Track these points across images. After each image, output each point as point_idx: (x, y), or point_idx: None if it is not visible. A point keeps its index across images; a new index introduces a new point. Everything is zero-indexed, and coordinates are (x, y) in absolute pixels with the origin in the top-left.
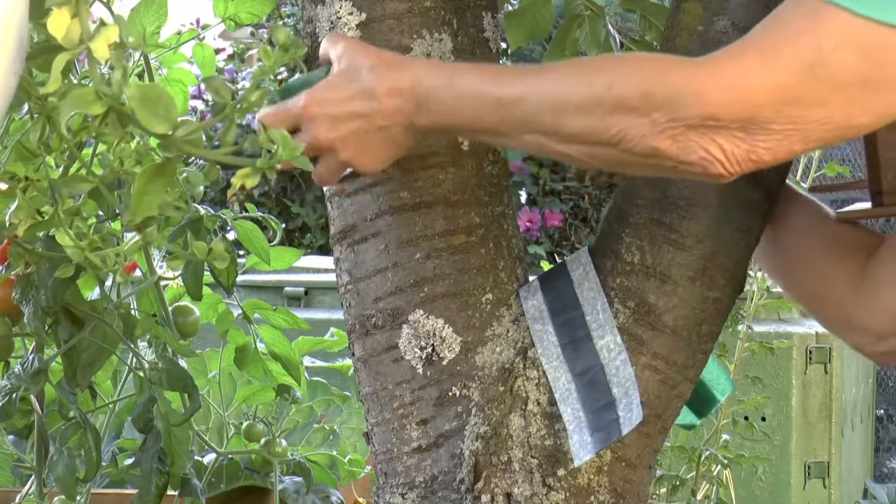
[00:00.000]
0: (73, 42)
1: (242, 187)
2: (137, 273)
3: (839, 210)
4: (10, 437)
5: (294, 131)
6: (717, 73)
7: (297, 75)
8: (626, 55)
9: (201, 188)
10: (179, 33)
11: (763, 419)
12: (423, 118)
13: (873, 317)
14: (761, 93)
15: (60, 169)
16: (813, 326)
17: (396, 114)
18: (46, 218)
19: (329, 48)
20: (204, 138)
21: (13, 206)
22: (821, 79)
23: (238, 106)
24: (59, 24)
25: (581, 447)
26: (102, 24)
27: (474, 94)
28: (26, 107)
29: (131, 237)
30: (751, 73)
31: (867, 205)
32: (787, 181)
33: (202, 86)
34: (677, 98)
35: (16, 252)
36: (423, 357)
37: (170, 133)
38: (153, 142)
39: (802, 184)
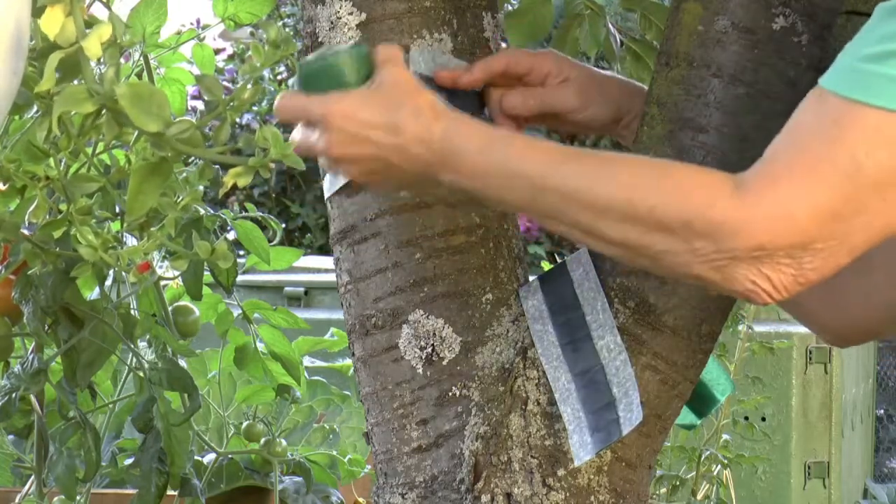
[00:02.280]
0: (68, 40)
1: (237, 186)
2: None
3: None
4: (10, 437)
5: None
6: (759, 204)
7: (318, 52)
8: (665, 165)
9: (201, 188)
10: (179, 33)
11: (763, 419)
12: (449, 175)
13: (842, 324)
14: (805, 217)
15: (63, 168)
16: None
17: (415, 161)
18: (60, 217)
19: (382, 56)
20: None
21: (32, 206)
22: (859, 187)
23: (230, 104)
24: (53, 22)
25: (581, 447)
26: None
27: (507, 169)
28: (35, 107)
29: (147, 236)
30: (792, 201)
31: None
32: None
33: None
34: (720, 231)
35: (31, 252)
36: (423, 357)
37: (162, 131)
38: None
39: None
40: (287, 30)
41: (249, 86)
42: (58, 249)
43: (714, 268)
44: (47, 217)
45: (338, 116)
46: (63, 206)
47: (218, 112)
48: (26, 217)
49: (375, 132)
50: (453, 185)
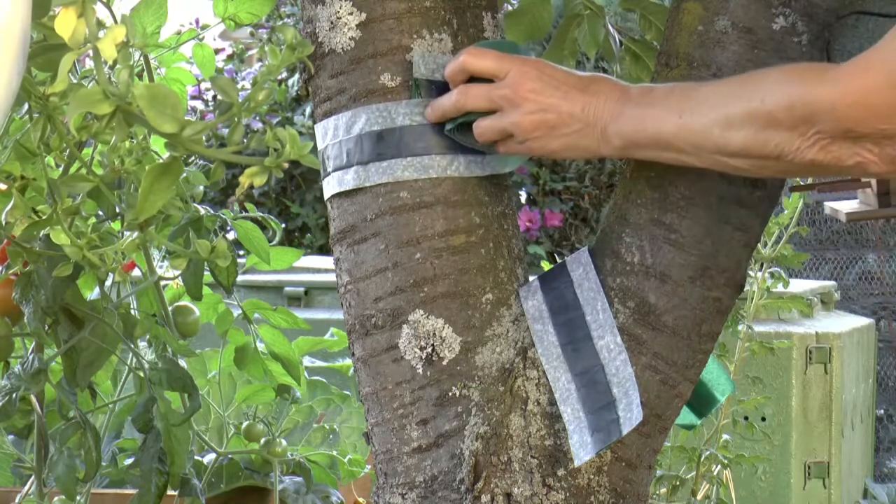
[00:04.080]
0: (78, 42)
1: (243, 186)
2: (137, 273)
3: (847, 211)
4: (10, 437)
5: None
6: (847, 91)
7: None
8: (778, 67)
9: (201, 188)
10: (179, 33)
11: (763, 419)
12: (616, 125)
13: None
14: (886, 108)
15: (60, 169)
16: (813, 326)
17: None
18: (44, 217)
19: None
20: (203, 138)
21: (9, 206)
22: None
23: (245, 105)
24: (66, 24)
25: (581, 447)
26: (102, 24)
27: (658, 109)
28: (26, 106)
29: (128, 235)
30: (875, 92)
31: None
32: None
33: (202, 86)
34: (815, 114)
35: (14, 251)
36: (423, 357)
37: (177, 132)
38: (155, 141)
39: (804, 183)
40: None
41: (265, 86)
42: (41, 249)
43: (821, 148)
44: (33, 217)
45: (534, 66)
46: (42, 208)
47: (232, 113)
48: (2, 216)
49: (567, 86)
50: (621, 138)
